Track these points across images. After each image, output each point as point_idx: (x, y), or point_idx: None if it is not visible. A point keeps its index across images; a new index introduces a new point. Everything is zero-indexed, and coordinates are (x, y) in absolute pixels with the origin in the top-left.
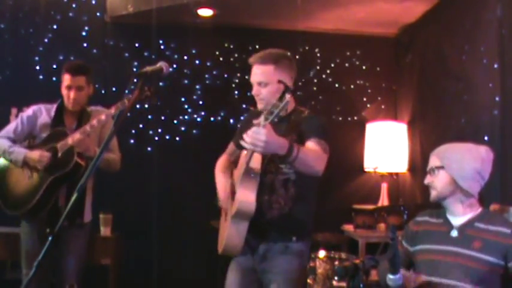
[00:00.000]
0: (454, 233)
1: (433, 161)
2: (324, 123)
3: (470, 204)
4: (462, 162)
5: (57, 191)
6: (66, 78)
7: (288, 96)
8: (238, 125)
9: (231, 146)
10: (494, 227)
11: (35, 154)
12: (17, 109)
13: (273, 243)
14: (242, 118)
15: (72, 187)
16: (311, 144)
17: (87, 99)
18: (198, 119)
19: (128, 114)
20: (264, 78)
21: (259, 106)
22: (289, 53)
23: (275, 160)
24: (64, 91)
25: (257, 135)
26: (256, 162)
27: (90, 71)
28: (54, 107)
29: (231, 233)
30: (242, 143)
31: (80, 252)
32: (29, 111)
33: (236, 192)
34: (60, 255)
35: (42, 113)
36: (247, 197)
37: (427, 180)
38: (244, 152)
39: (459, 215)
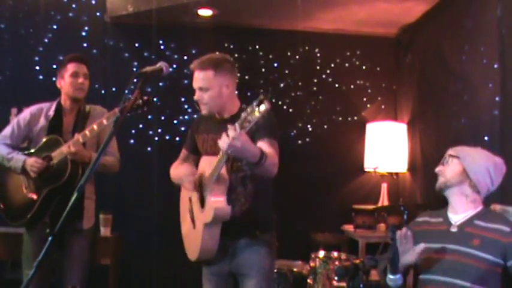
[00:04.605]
0: (454, 229)
1: (448, 152)
2: (273, 120)
3: (474, 200)
4: (476, 158)
5: (55, 201)
6: (71, 66)
7: (267, 104)
8: (189, 130)
9: (184, 152)
10: (493, 225)
11: (31, 160)
12: (17, 109)
13: (238, 240)
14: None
15: (70, 197)
16: (264, 146)
17: (87, 91)
18: None
19: (128, 114)
20: (205, 84)
21: (204, 112)
22: (229, 57)
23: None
24: (68, 79)
25: (235, 142)
26: (225, 168)
27: (89, 65)
28: (54, 106)
29: (205, 238)
30: (220, 144)
31: (82, 258)
32: (26, 114)
33: (206, 199)
34: (62, 261)
35: (40, 115)
36: (221, 203)
37: (438, 168)
38: (206, 158)
39: (460, 211)
